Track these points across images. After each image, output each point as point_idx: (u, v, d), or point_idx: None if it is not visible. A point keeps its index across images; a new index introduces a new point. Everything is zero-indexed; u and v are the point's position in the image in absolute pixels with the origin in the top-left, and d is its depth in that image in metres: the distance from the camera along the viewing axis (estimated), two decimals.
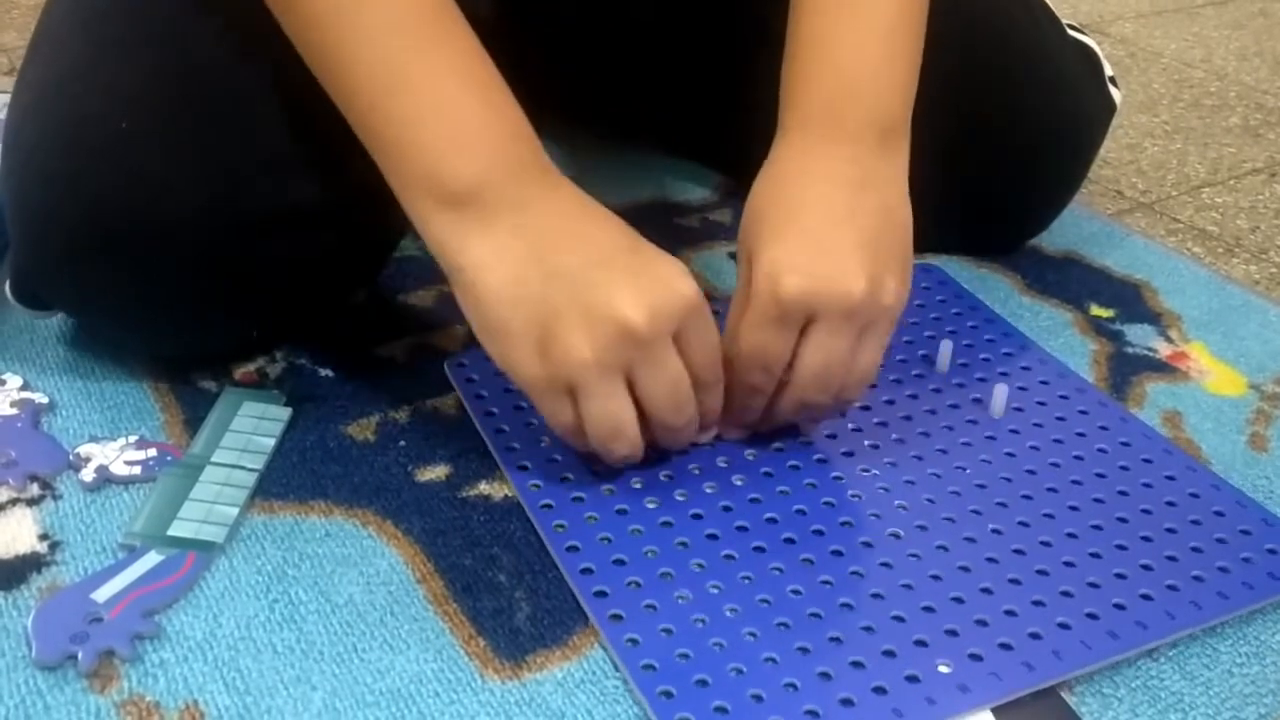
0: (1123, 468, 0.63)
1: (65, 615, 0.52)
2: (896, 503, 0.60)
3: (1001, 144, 0.78)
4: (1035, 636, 0.52)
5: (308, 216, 0.63)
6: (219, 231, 0.60)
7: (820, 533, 0.57)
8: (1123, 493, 0.61)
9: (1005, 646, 0.52)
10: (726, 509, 0.59)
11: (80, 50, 0.62)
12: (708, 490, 0.60)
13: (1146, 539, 0.58)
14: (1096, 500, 0.61)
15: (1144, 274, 0.84)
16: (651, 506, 0.59)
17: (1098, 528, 0.59)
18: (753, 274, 0.57)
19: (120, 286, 0.61)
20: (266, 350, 0.70)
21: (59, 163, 0.60)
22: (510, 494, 0.61)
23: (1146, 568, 0.56)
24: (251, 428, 0.63)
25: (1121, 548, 0.57)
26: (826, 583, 0.55)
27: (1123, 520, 0.59)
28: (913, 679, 0.50)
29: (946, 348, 0.70)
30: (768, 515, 0.58)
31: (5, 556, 0.55)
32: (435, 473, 0.62)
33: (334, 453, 0.63)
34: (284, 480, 0.60)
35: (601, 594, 0.53)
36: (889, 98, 0.60)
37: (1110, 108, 0.85)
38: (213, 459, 0.60)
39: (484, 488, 0.61)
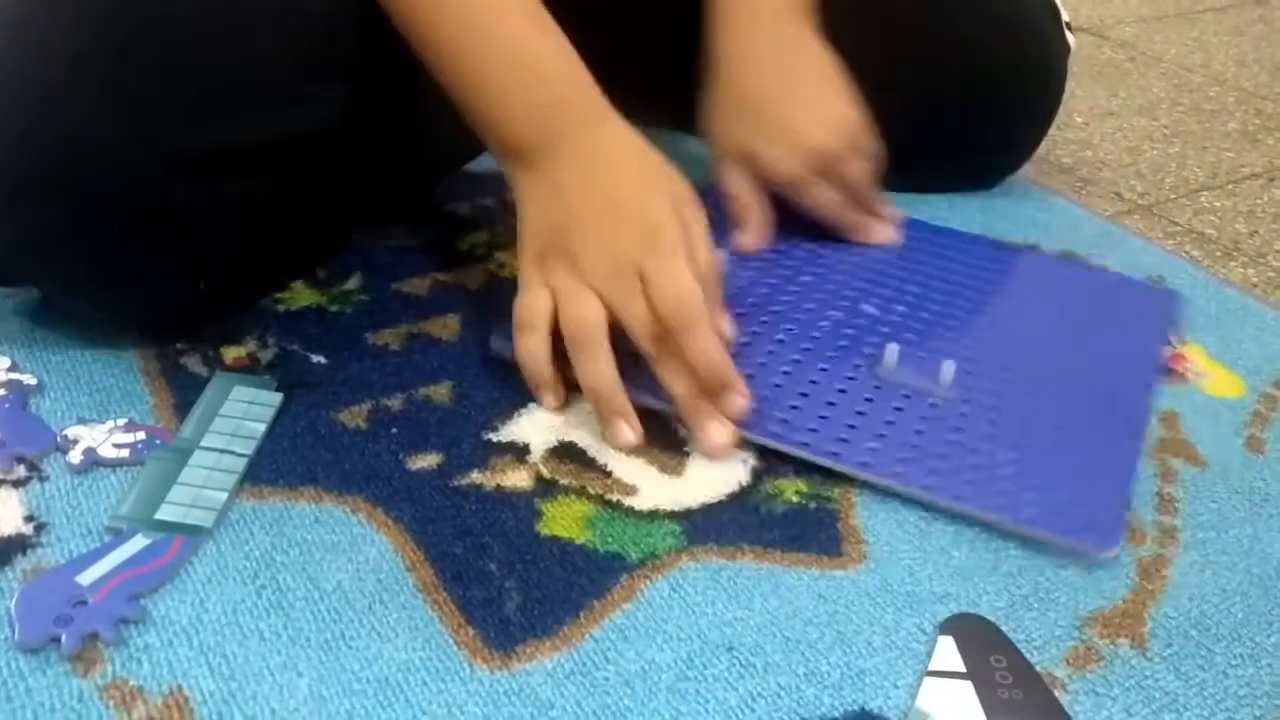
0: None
1: (49, 598, 0.51)
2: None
3: (979, 79, 0.85)
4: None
5: (244, 158, 0.63)
6: (140, 171, 0.59)
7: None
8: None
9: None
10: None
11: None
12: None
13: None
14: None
15: (1142, 275, 0.84)
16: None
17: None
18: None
19: (55, 240, 0.60)
20: (222, 315, 0.70)
21: None
22: (502, 483, 0.60)
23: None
24: (242, 412, 0.62)
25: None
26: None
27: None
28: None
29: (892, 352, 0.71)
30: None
31: None
32: (427, 461, 0.61)
33: (325, 439, 0.62)
34: (274, 466, 0.60)
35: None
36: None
37: (1067, 49, 0.89)
38: (202, 443, 0.60)
39: (476, 477, 0.60)
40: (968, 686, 0.50)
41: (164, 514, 0.55)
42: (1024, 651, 0.53)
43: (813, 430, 0.63)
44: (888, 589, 0.56)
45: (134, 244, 0.62)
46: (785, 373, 0.68)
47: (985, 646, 0.52)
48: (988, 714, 0.49)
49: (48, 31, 0.59)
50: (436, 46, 0.66)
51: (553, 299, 0.63)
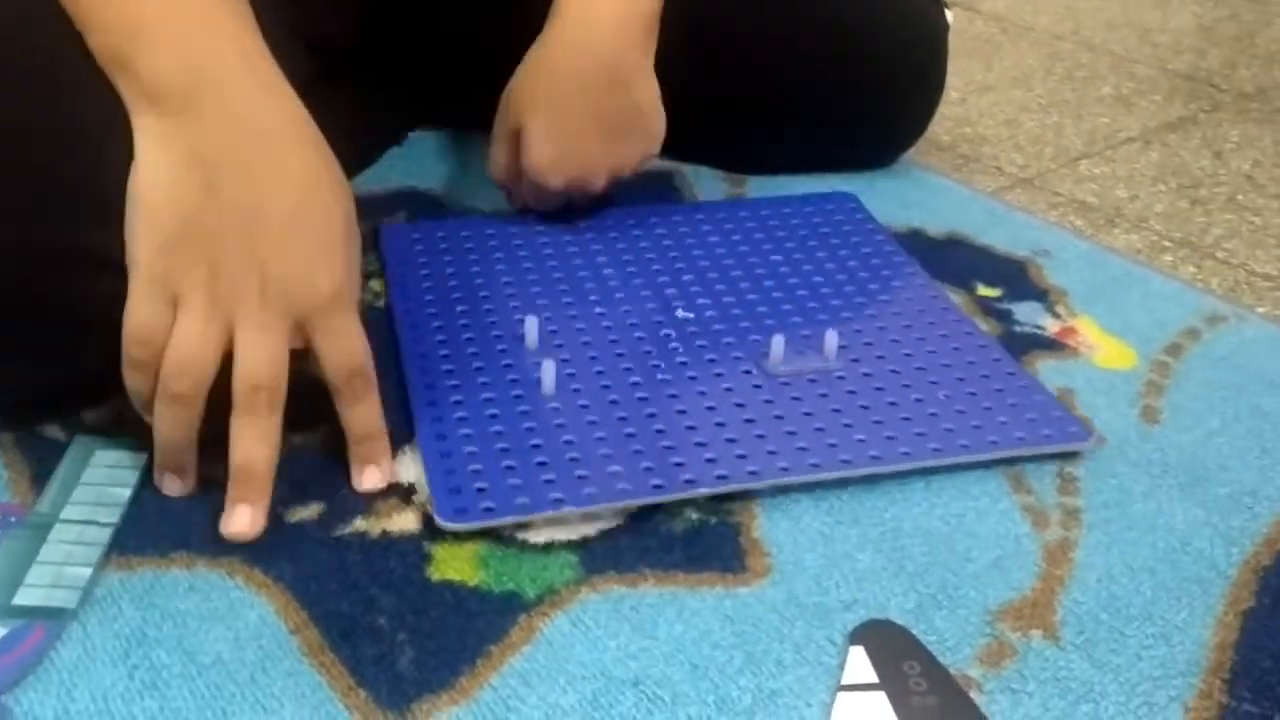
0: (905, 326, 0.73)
1: None
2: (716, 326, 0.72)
3: (863, 60, 0.86)
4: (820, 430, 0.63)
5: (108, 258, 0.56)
6: (12, 267, 0.54)
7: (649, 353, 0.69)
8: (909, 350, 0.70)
9: (790, 433, 0.62)
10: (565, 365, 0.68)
11: None
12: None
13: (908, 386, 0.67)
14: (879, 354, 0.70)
15: (1027, 250, 0.84)
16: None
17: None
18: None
19: None
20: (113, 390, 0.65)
21: None
22: (388, 528, 0.57)
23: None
24: (105, 478, 0.59)
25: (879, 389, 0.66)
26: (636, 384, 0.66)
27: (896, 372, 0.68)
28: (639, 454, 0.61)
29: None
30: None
31: None
32: (307, 512, 0.58)
33: (196, 500, 0.58)
34: (142, 533, 0.56)
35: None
36: None
37: (947, 26, 0.91)
38: (62, 516, 0.56)
39: (359, 524, 0.57)
40: (882, 698, 0.48)
41: (23, 598, 0.52)
42: (936, 653, 0.52)
43: (710, 460, 0.60)
44: (795, 601, 0.54)
45: (12, 327, 0.57)
46: (651, 415, 0.63)
47: (897, 653, 0.51)
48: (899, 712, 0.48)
49: None
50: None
51: (172, 318, 0.53)
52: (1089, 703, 0.50)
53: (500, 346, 0.69)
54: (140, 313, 0.53)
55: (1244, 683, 0.51)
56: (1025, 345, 0.73)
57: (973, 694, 0.50)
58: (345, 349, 0.56)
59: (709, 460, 0.60)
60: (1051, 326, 0.75)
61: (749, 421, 0.63)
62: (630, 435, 0.61)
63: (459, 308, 0.72)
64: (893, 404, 0.65)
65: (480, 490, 0.57)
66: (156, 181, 0.53)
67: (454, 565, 0.55)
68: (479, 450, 0.60)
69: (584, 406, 0.64)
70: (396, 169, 0.90)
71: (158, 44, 0.53)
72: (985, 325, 0.75)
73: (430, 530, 0.57)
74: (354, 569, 0.55)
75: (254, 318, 0.53)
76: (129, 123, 0.54)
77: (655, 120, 0.75)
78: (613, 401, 0.64)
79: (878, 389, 0.66)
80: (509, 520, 0.56)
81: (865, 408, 0.64)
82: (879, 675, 0.49)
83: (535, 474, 0.59)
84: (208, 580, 0.54)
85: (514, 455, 0.60)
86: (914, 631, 0.53)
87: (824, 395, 0.65)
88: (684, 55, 0.76)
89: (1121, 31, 1.30)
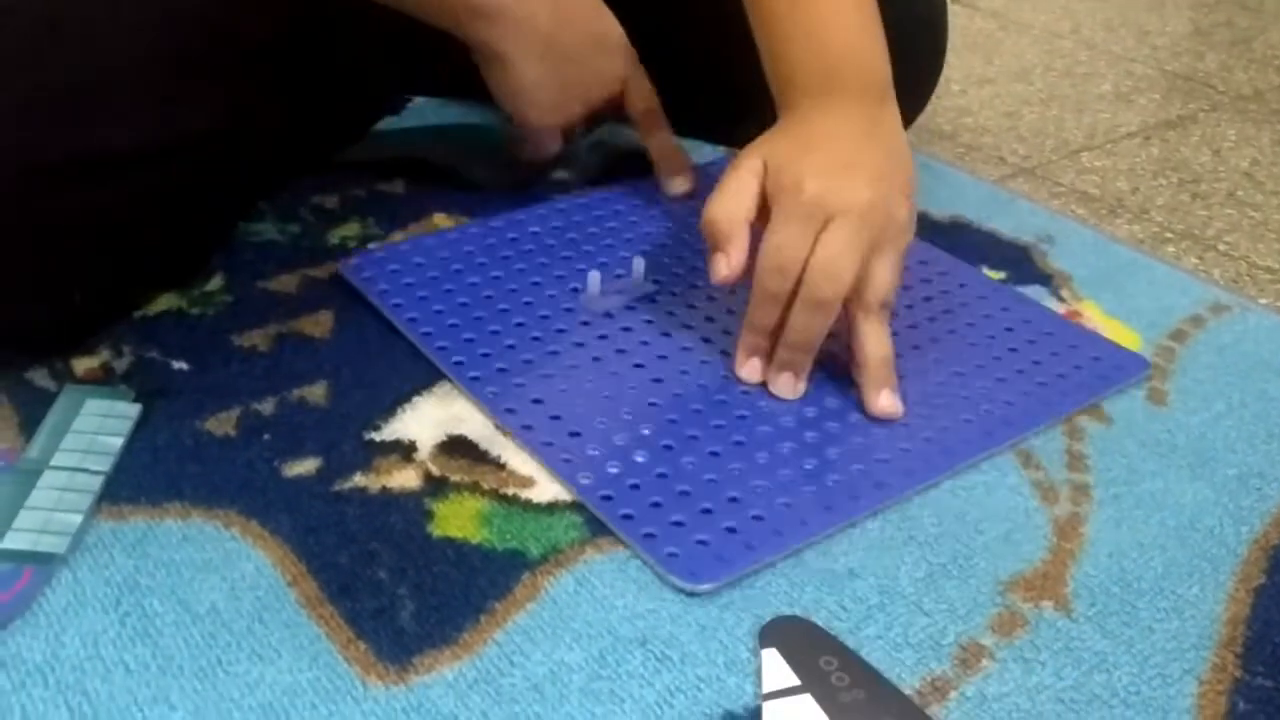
0: (962, 304, 0.73)
1: None
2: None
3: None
4: (929, 440, 0.61)
5: (108, 164, 0.57)
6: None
7: (704, 386, 0.63)
8: (970, 325, 0.71)
9: (904, 450, 0.60)
10: (638, 366, 0.64)
11: None
12: (615, 350, 0.65)
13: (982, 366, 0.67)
14: (939, 337, 0.69)
15: (1031, 236, 0.83)
16: (588, 382, 0.62)
17: (939, 361, 0.67)
18: (776, 185, 0.61)
19: None
20: (99, 328, 0.64)
21: None
22: (389, 485, 0.56)
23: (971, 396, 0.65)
24: (95, 427, 0.57)
25: (960, 374, 0.66)
26: (719, 427, 0.60)
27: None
28: (837, 481, 0.57)
29: None
30: (681, 369, 0.64)
31: None
32: (304, 467, 0.57)
33: (190, 450, 0.57)
34: (134, 482, 0.55)
35: (549, 444, 0.58)
36: (874, 62, 0.66)
37: (945, 5, 0.88)
38: (52, 463, 0.54)
39: (359, 480, 0.56)
40: (809, 700, 0.46)
41: (11, 542, 0.50)
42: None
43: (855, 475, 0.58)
44: (803, 566, 0.53)
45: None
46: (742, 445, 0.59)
47: (811, 649, 0.48)
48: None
49: None
50: None
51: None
52: (1102, 673, 0.49)
53: (570, 362, 0.64)
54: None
55: (1257, 657, 0.50)
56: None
57: (984, 662, 0.49)
58: (641, 94, 0.75)
59: (861, 470, 0.58)
60: (1057, 309, 0.74)
61: (885, 435, 0.61)
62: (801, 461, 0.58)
63: (507, 342, 0.65)
64: (983, 389, 0.65)
65: (702, 544, 0.53)
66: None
67: (455, 523, 0.54)
68: (664, 502, 0.55)
69: (719, 427, 0.60)
70: (393, 137, 0.88)
71: None
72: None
73: (431, 487, 0.56)
74: (353, 523, 0.54)
75: None
76: (114, 10, 0.54)
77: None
78: (741, 416, 0.61)
79: (958, 374, 0.66)
80: (749, 568, 0.52)
81: (966, 398, 0.64)
82: (800, 677, 0.47)
83: (731, 511, 0.55)
84: (202, 531, 0.52)
85: (699, 497, 0.55)
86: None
87: (924, 391, 0.64)
88: (668, 22, 0.76)
89: (1119, 32, 1.30)
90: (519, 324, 0.67)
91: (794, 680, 0.47)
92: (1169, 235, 0.88)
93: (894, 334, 0.65)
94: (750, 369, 0.63)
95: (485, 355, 0.64)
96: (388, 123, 0.89)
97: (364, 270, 0.71)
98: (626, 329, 0.67)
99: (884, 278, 0.60)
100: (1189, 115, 1.10)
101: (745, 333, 0.63)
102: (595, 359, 0.64)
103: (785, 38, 0.66)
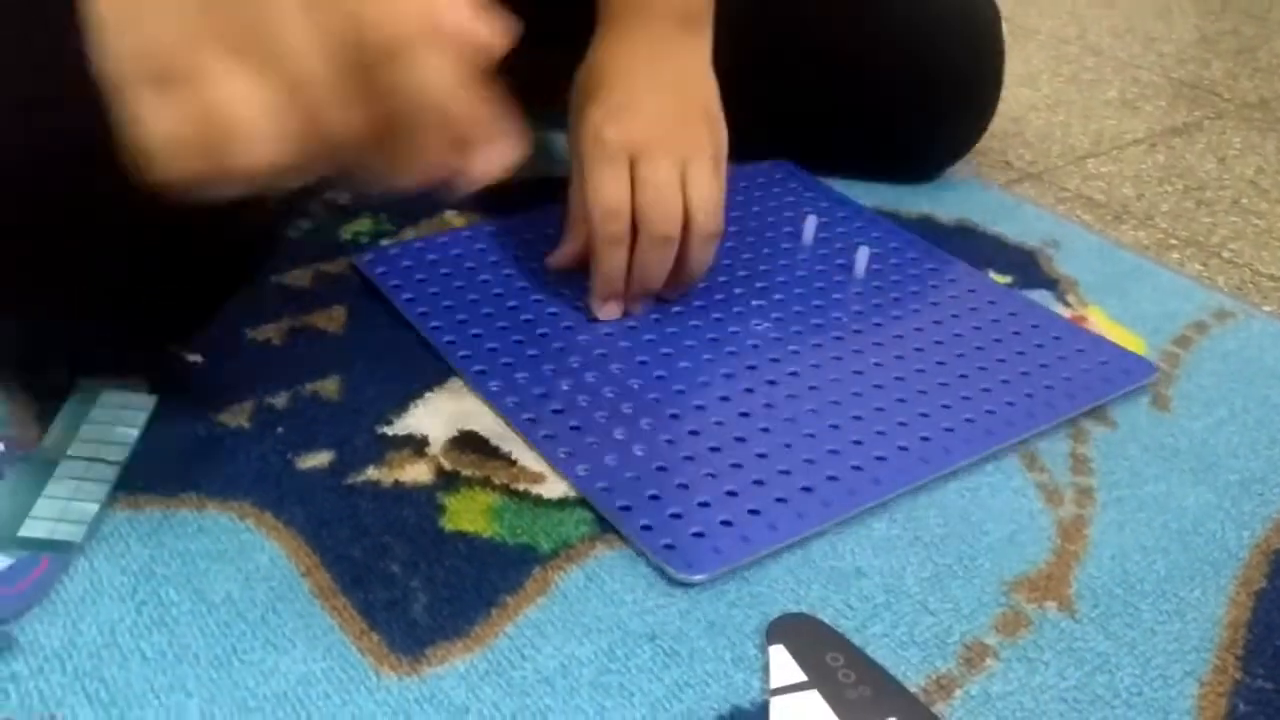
0: (971, 309, 0.73)
1: None
2: (790, 348, 0.68)
3: (926, 61, 0.85)
4: (925, 439, 0.61)
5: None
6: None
7: (706, 383, 0.64)
8: (976, 328, 0.71)
9: (902, 448, 0.60)
10: (643, 363, 0.65)
11: None
12: (621, 346, 0.66)
13: (983, 368, 0.67)
14: (944, 339, 0.70)
15: (1037, 241, 0.84)
16: (591, 378, 0.63)
17: (941, 363, 0.67)
18: (578, 135, 0.66)
19: None
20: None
21: None
22: (401, 478, 0.56)
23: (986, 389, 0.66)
24: (111, 418, 0.57)
25: (964, 376, 0.66)
26: (744, 414, 0.62)
27: (962, 355, 0.68)
28: (833, 478, 0.58)
29: (810, 223, 0.78)
30: (684, 364, 0.65)
31: None
32: (318, 460, 0.57)
33: (205, 442, 0.57)
34: (150, 473, 0.55)
35: (550, 437, 0.59)
36: None
37: (998, 14, 0.90)
38: (68, 453, 0.55)
39: (371, 473, 0.57)
40: (816, 696, 0.47)
41: (28, 530, 0.51)
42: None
43: (856, 469, 0.59)
44: (810, 564, 0.54)
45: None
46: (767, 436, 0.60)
47: (818, 646, 0.49)
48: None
49: None
50: None
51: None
52: (1104, 674, 0.50)
53: (573, 362, 0.64)
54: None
55: (1258, 659, 0.51)
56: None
57: (989, 661, 0.50)
58: None
59: (856, 468, 0.58)
60: (1063, 313, 0.75)
61: (880, 434, 0.61)
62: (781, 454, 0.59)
63: (514, 337, 0.66)
64: (986, 389, 0.65)
65: (698, 536, 0.53)
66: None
67: (467, 517, 0.55)
68: (661, 494, 0.56)
69: (719, 424, 0.61)
70: None
71: None
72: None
73: (443, 481, 0.57)
74: (366, 516, 0.54)
75: None
76: None
77: (721, 124, 0.69)
78: (743, 414, 0.62)
79: (962, 376, 0.66)
80: (744, 560, 0.53)
81: (967, 399, 0.64)
82: (806, 673, 0.48)
83: (728, 505, 0.55)
84: (217, 522, 0.53)
85: (697, 490, 0.56)
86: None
87: (902, 401, 0.64)
88: (738, 55, 0.72)
89: (1126, 39, 1.31)
90: (527, 320, 0.68)
91: (801, 676, 0.47)
92: (1173, 242, 0.88)
93: (898, 336, 0.69)
94: (609, 310, 0.68)
95: (492, 350, 0.65)
96: None
97: (378, 265, 0.71)
98: (632, 326, 0.68)
99: (704, 201, 0.65)
100: (1194, 123, 1.10)
101: (599, 281, 0.66)
102: (600, 355, 0.65)
103: None
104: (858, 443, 0.60)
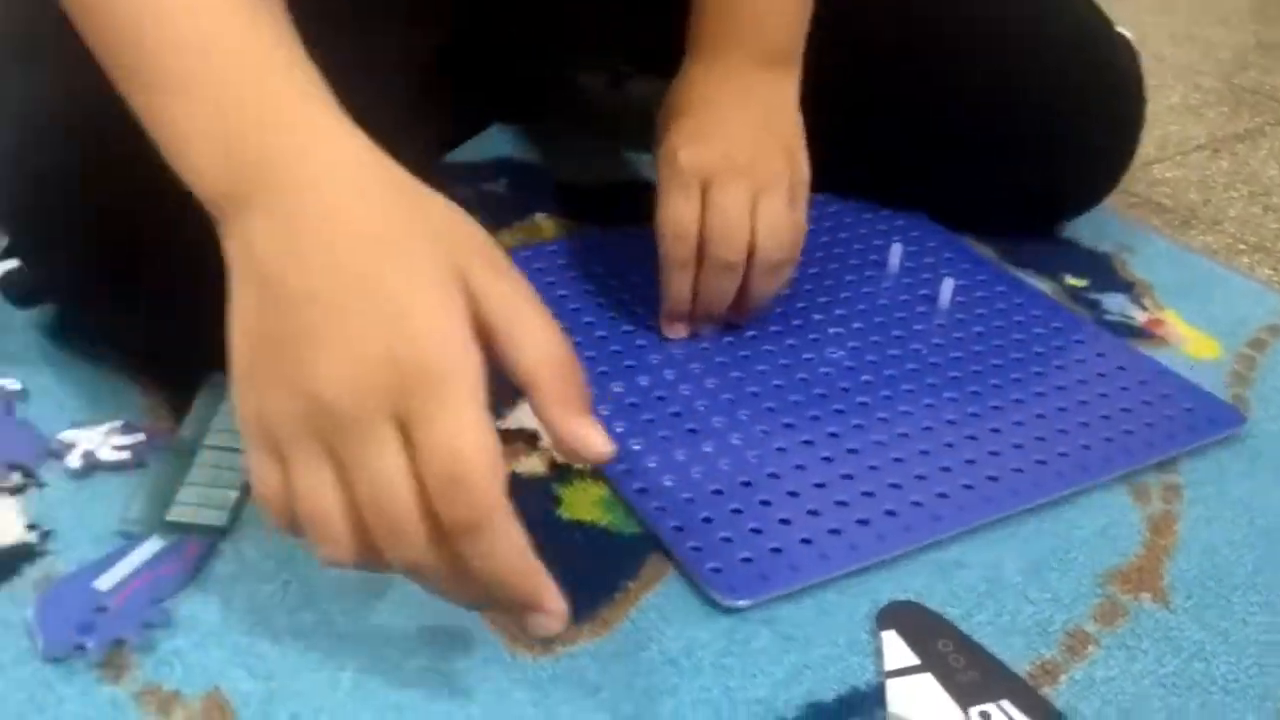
0: (1057, 347, 0.72)
1: (69, 606, 0.49)
2: (864, 378, 0.68)
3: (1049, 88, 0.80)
4: (992, 479, 0.60)
5: None
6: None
7: (773, 409, 0.64)
8: (1059, 367, 0.70)
9: (967, 487, 0.60)
10: (711, 386, 0.66)
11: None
12: (691, 368, 0.67)
13: (1062, 409, 0.66)
14: (1024, 377, 0.69)
15: (1110, 245, 0.86)
16: (658, 397, 0.65)
17: (1020, 401, 0.67)
18: (659, 157, 0.67)
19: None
20: None
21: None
22: (517, 470, 0.59)
23: (1064, 430, 0.65)
24: None
25: (1041, 416, 0.66)
26: (808, 442, 0.62)
27: (1041, 393, 0.68)
28: (890, 513, 0.58)
29: (896, 251, 0.78)
30: (752, 390, 0.66)
31: None
32: None
33: None
34: None
35: (625, 471, 0.59)
36: (775, 34, 0.71)
37: (1134, 53, 0.87)
38: (205, 442, 0.58)
39: None
40: (929, 679, 0.50)
41: (175, 515, 0.54)
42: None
43: (917, 504, 0.58)
44: (911, 555, 0.56)
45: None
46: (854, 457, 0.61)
47: (928, 632, 0.52)
48: (959, 703, 0.49)
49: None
50: (104, 34, 0.46)
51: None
52: (1201, 661, 0.52)
53: (642, 381, 0.66)
54: (257, 476, 0.43)
55: None
56: (1117, 334, 0.75)
57: (1090, 648, 0.52)
58: (445, 448, 0.39)
59: (916, 504, 0.58)
60: (1139, 317, 0.77)
61: (945, 470, 0.61)
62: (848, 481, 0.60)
63: (587, 353, 0.68)
64: (1063, 431, 0.64)
65: (746, 561, 0.54)
66: (236, 310, 0.43)
67: (583, 507, 0.57)
68: (714, 517, 0.57)
69: (781, 450, 0.61)
70: (493, 139, 0.92)
71: (190, 132, 0.44)
72: (1074, 310, 0.77)
73: (557, 473, 0.59)
74: None
75: (341, 437, 0.41)
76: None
77: (802, 158, 0.68)
78: (806, 442, 0.62)
79: (1039, 416, 0.65)
80: (788, 590, 0.53)
81: (1042, 440, 0.63)
82: (918, 656, 0.50)
83: (780, 532, 0.56)
84: None
85: (750, 516, 0.57)
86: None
87: (973, 438, 0.63)
88: (834, 88, 0.72)
89: (1186, 46, 1.32)
90: (601, 336, 0.69)
91: (913, 660, 0.50)
92: (1242, 246, 0.90)
93: (976, 370, 0.69)
94: (675, 330, 0.69)
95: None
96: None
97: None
98: (704, 348, 0.69)
99: (772, 230, 0.65)
100: (1256, 128, 1.12)
101: (666, 301, 0.68)
102: (669, 376, 0.66)
103: None
104: (920, 478, 0.60)
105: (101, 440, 0.58)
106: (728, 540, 0.55)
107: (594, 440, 0.43)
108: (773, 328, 0.71)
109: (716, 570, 0.54)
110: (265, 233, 0.42)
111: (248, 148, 0.43)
